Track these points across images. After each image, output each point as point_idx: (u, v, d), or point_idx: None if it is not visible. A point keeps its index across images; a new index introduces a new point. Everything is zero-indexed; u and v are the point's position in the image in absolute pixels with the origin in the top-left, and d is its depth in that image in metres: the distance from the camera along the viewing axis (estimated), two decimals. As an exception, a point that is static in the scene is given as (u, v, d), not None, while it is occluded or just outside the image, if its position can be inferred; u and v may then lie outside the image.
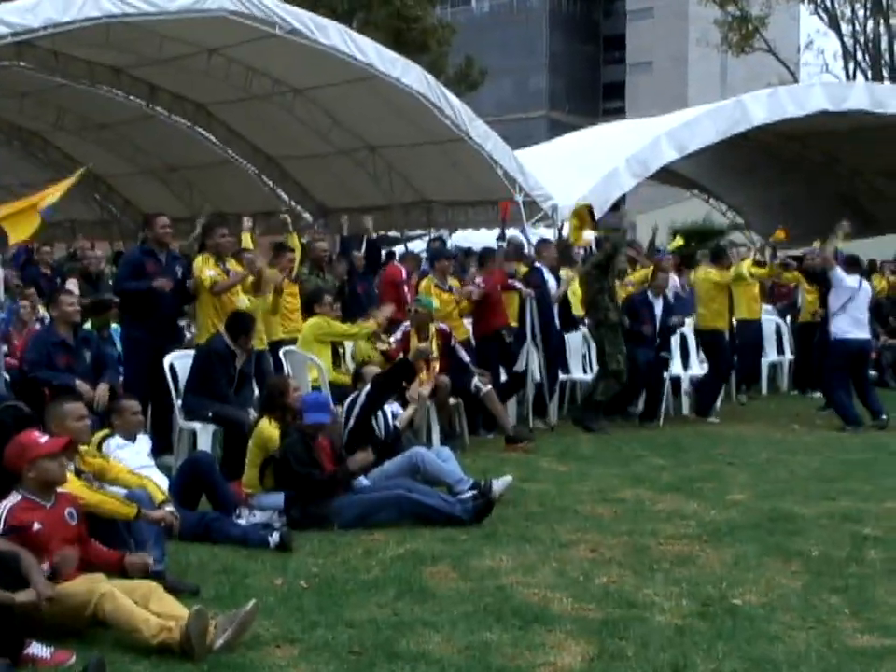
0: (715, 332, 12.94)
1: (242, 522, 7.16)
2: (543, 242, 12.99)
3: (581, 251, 13.20)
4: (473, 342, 11.73)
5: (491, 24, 69.01)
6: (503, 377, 11.69)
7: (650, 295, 12.62)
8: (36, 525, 5.38)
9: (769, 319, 15.76)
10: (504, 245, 12.73)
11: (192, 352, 9.25)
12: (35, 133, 18.38)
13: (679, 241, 16.15)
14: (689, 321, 13.55)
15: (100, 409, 7.99)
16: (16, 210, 8.57)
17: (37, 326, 9.98)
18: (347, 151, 15.95)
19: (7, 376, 8.75)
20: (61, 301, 8.65)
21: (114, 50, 13.97)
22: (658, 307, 12.57)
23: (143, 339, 9.47)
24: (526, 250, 12.77)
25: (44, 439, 5.66)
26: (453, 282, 11.73)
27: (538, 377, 11.92)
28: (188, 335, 10.76)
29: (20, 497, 5.47)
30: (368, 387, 8.42)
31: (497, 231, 13.09)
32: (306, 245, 12.24)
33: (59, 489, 5.61)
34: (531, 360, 11.85)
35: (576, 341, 13.16)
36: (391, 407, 8.69)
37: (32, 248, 14.63)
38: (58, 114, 17.15)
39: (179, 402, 8.95)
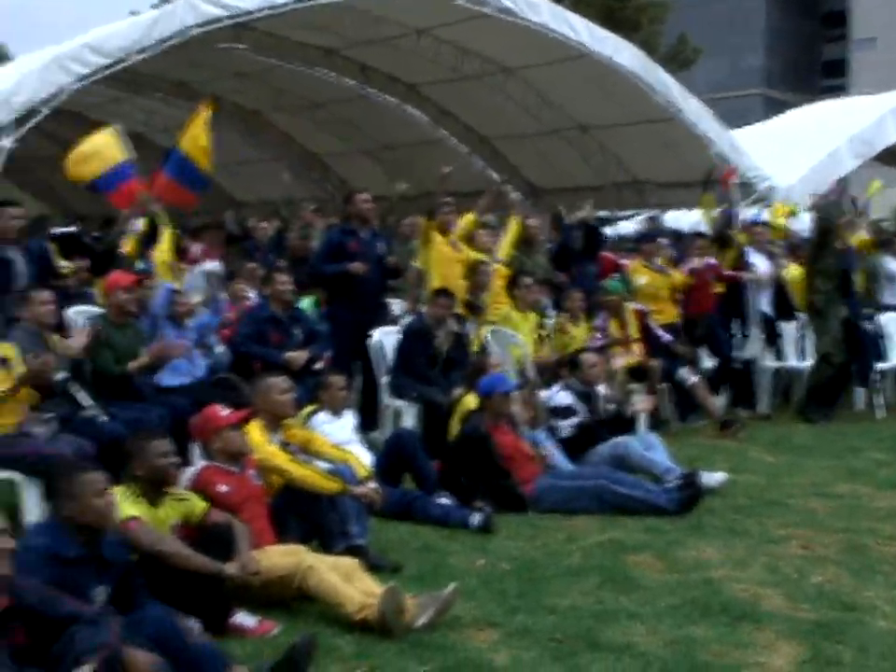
0: None
1: (443, 501, 7.13)
2: (754, 223, 12.58)
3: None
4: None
5: (706, 1, 67.41)
6: (707, 363, 11.36)
7: None
8: (223, 487, 5.59)
9: None
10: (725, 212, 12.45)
11: (398, 328, 9.32)
12: (254, 113, 18.86)
13: (877, 184, 14.85)
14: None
15: (294, 368, 8.14)
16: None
17: (250, 301, 10.17)
18: (558, 130, 15.80)
19: (223, 349, 8.98)
20: (275, 280, 8.79)
21: (327, 32, 14.21)
22: None
23: (346, 317, 9.54)
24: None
25: (226, 412, 5.87)
26: (663, 262, 11.45)
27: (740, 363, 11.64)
28: (395, 312, 10.81)
29: (206, 463, 5.72)
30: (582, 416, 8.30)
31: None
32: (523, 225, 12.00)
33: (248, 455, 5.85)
34: (752, 346, 11.54)
35: (790, 326, 12.64)
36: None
37: (248, 225, 15.08)
38: (275, 94, 17.55)
39: (385, 379, 9.00)
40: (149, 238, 10.82)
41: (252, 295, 10.09)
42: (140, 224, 10.37)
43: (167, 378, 7.94)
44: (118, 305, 7.68)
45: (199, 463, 5.73)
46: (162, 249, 9.31)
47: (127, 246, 9.78)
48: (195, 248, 11.92)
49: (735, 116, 26.21)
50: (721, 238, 12.11)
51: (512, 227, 11.42)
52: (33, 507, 6.13)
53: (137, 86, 16.92)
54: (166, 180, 9.81)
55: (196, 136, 9.74)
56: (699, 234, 12.60)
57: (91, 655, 3.77)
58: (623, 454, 7.92)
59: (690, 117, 13.69)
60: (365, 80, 16.42)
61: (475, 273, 10.02)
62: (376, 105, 17.00)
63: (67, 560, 4.37)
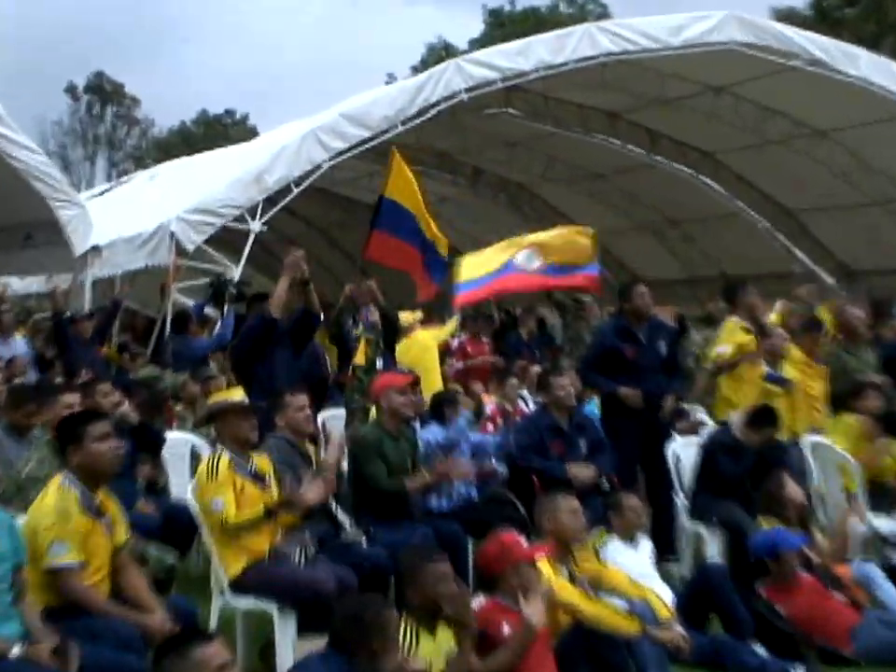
0: None
1: (759, 650, 6.86)
2: None
3: None
4: None
5: None
6: None
7: None
8: (507, 628, 5.53)
9: None
10: None
11: (698, 439, 9.10)
12: (521, 185, 19.18)
13: None
14: None
15: (579, 484, 7.99)
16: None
17: (523, 405, 10.20)
18: (879, 202, 15.40)
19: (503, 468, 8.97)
20: (555, 385, 8.67)
21: (608, 92, 14.35)
22: None
23: (623, 423, 9.25)
24: None
25: (526, 543, 5.85)
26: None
27: None
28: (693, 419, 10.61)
29: (489, 599, 5.68)
30: None
31: None
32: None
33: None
34: None
35: None
36: None
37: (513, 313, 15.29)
38: (546, 164, 17.79)
39: (681, 498, 8.80)
40: (387, 331, 10.96)
41: (526, 395, 10.12)
42: (373, 315, 10.50)
43: (436, 499, 7.97)
44: (392, 410, 7.70)
45: (479, 597, 5.69)
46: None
47: (359, 356, 9.98)
48: (457, 341, 12.09)
49: None
50: None
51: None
52: (286, 642, 6.10)
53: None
54: (380, 235, 10.04)
55: (402, 184, 10.03)
56: None
57: None
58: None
59: None
60: (653, 147, 16.45)
61: (767, 336, 9.71)
62: (663, 175, 17.00)
63: None
